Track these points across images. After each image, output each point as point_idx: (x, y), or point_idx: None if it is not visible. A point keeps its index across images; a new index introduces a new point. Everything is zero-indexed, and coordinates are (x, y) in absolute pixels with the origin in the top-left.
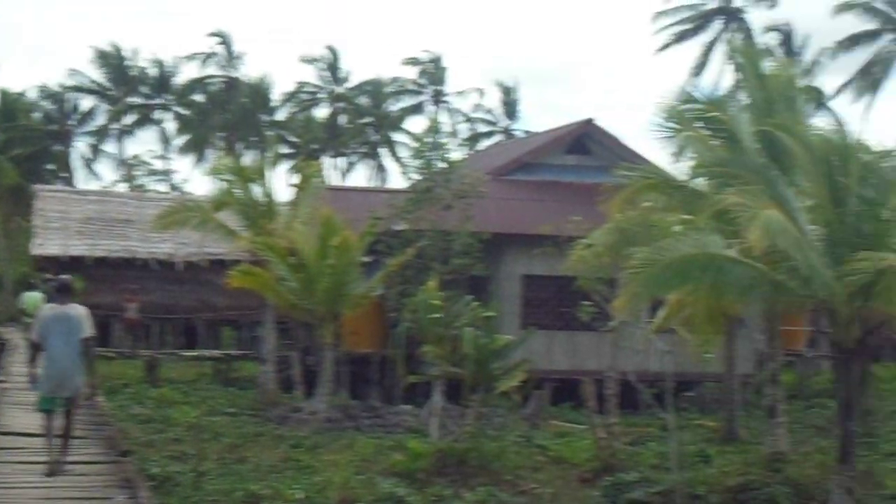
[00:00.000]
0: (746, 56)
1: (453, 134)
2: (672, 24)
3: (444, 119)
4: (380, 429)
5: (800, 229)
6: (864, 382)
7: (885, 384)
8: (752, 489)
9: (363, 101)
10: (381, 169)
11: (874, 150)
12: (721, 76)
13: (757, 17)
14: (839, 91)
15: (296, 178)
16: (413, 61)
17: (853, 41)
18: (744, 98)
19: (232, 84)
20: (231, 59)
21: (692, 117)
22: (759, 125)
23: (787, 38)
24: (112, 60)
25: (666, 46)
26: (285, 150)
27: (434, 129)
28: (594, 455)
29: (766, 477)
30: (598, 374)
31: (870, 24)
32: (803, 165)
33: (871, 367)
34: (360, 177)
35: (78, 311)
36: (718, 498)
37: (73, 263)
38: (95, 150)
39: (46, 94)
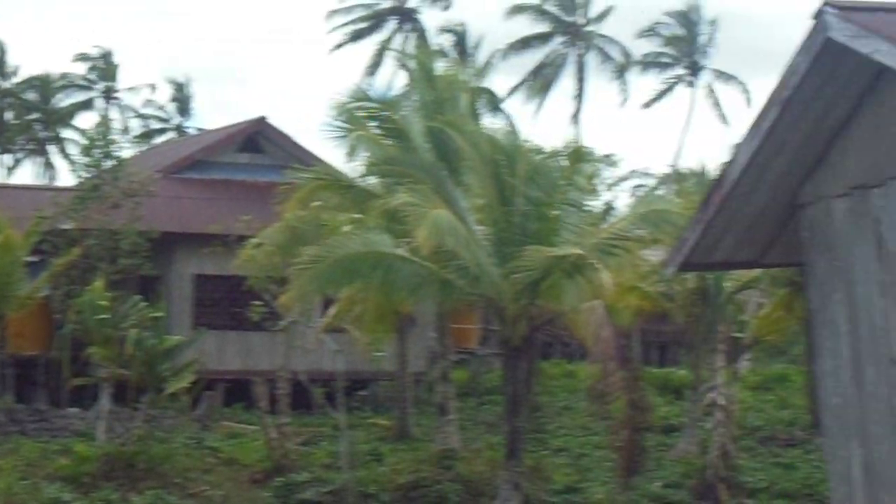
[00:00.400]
0: (417, 58)
1: (125, 131)
2: (347, 23)
3: (115, 116)
4: (46, 433)
5: (468, 228)
6: (532, 379)
7: (554, 381)
8: (422, 486)
9: (31, 96)
10: (49, 166)
11: (542, 150)
12: (396, 76)
13: (431, 18)
14: (511, 92)
15: None
16: (83, 57)
17: (525, 43)
18: (415, 98)
19: None
20: None
21: (364, 116)
22: (429, 125)
23: (461, 39)
24: None
25: (341, 45)
26: None
27: (104, 125)
28: (266, 456)
29: (436, 474)
30: (270, 375)
31: (541, 27)
32: (472, 165)
33: (538, 364)
34: (27, 174)
35: None
36: (389, 496)
37: None
38: None
39: None
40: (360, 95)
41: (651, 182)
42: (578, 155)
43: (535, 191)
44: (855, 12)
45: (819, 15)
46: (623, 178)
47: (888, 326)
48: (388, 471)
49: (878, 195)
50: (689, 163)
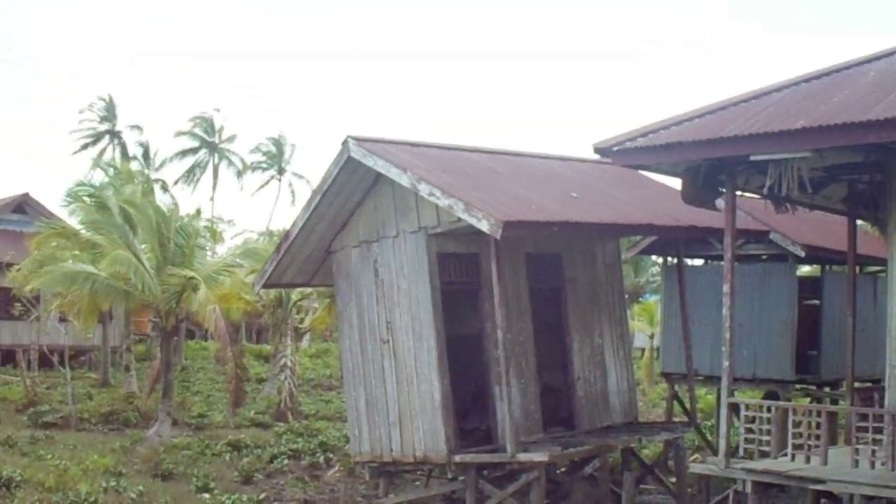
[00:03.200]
0: (111, 163)
1: None
2: (81, 137)
3: None
4: None
5: (139, 260)
6: (178, 350)
7: (195, 352)
8: (115, 414)
9: None
10: None
11: (186, 215)
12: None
13: (130, 136)
14: (177, 181)
15: None
16: None
17: (184, 153)
18: (113, 185)
19: None
20: None
21: (86, 194)
22: (121, 201)
23: (146, 149)
24: None
25: (81, 149)
26: None
27: None
28: (24, 395)
29: (124, 407)
30: (27, 347)
31: (193, 143)
32: (142, 224)
33: (185, 342)
34: None
35: None
36: (97, 419)
37: None
38: None
39: None
40: (83, 183)
41: (255, 236)
42: (197, 214)
43: (181, 238)
44: (366, 142)
45: (344, 142)
46: (239, 234)
47: (378, 321)
48: (95, 405)
49: (375, 246)
50: (278, 225)
